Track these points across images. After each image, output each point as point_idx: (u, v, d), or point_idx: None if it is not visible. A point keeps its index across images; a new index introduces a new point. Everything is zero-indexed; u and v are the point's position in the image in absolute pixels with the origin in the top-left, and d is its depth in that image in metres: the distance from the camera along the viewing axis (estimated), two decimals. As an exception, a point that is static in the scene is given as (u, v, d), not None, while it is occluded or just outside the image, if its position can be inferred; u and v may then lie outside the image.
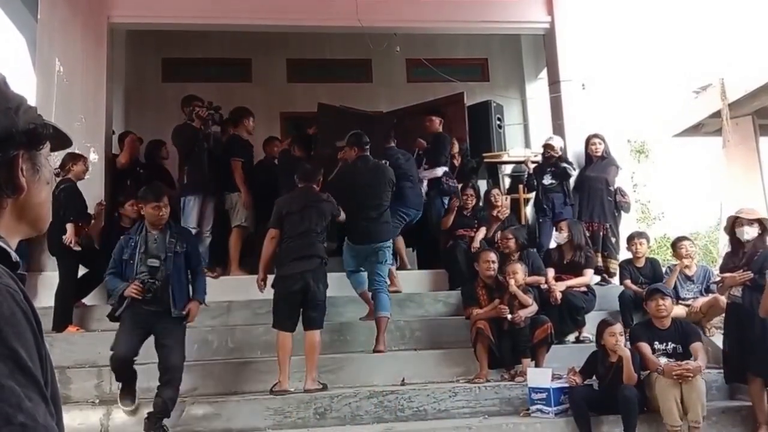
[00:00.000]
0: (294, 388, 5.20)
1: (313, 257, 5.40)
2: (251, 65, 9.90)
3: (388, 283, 6.18)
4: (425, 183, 7.65)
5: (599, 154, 7.30)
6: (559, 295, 6.04)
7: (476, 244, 6.86)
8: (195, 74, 9.43)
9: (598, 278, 6.84)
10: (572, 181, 7.39)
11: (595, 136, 7.33)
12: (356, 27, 7.50)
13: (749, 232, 5.23)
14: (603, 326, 5.15)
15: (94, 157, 6.85)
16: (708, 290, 6.19)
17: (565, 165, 7.28)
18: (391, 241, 6.24)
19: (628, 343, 5.10)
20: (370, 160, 6.29)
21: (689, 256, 6.37)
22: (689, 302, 6.08)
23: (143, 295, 4.64)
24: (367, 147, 6.29)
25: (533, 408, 5.06)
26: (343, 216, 5.85)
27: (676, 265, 6.45)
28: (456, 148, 8.10)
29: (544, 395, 5.01)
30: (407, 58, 9.67)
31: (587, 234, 6.66)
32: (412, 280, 7.21)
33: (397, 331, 6.13)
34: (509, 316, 5.55)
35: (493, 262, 5.90)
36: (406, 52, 9.11)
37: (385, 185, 6.15)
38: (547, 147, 7.50)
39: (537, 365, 5.49)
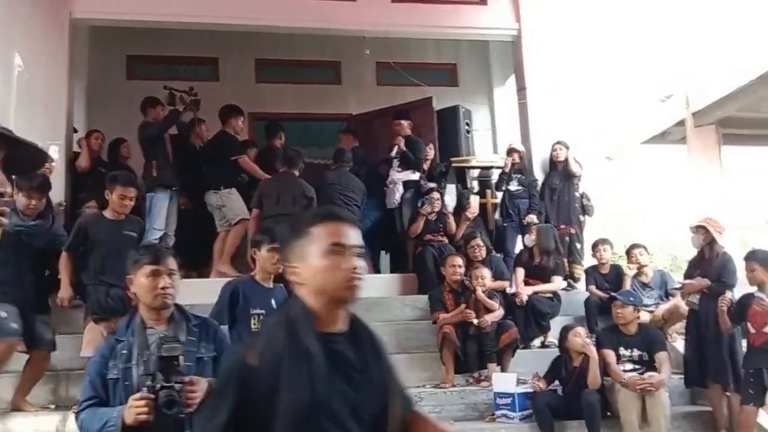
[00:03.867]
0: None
1: None
2: (219, 64, 9.77)
3: None
4: (399, 185, 7.68)
5: (562, 159, 7.37)
6: (525, 297, 6.07)
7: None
8: (161, 72, 9.24)
9: (564, 284, 6.90)
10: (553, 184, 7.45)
11: (559, 142, 7.41)
12: (326, 29, 7.47)
13: (696, 240, 5.38)
14: (566, 330, 5.20)
15: (55, 156, 6.68)
16: (668, 295, 6.27)
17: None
18: None
19: (594, 348, 5.14)
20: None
21: (639, 263, 6.43)
22: (651, 308, 6.16)
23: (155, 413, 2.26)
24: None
25: (498, 413, 5.08)
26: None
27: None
28: (431, 153, 8.13)
29: (509, 400, 5.03)
30: (377, 61, 9.65)
31: (557, 239, 6.70)
32: (382, 284, 7.18)
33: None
34: (475, 321, 5.56)
35: (460, 266, 5.91)
36: (376, 55, 9.10)
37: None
38: (511, 152, 7.56)
39: (503, 370, 5.51)
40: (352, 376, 1.52)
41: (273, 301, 3.97)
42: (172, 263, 2.62)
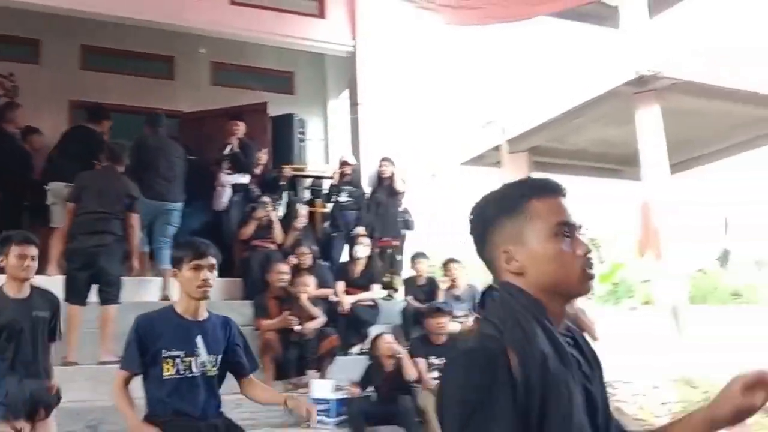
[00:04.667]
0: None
1: (106, 233, 5.40)
2: (39, 46, 9.07)
3: None
4: (228, 188, 7.60)
5: (388, 175, 7.69)
6: (347, 307, 6.26)
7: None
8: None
9: (384, 293, 7.19)
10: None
11: (386, 159, 7.73)
12: (159, 22, 7.25)
13: None
14: (376, 338, 5.45)
15: None
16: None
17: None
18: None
19: (402, 348, 5.41)
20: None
21: (453, 276, 6.86)
22: (461, 320, 6.60)
23: None
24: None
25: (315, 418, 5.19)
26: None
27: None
28: (265, 158, 8.13)
29: (325, 406, 5.17)
30: (213, 61, 9.49)
31: (377, 251, 6.98)
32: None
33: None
34: (297, 328, 5.66)
35: (285, 273, 5.99)
36: (212, 55, 8.95)
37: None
38: (343, 165, 7.78)
39: (322, 376, 5.64)
40: (590, 391, 1.24)
41: (200, 339, 2.99)
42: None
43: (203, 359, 2.97)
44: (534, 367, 1.14)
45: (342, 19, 8.46)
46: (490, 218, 1.31)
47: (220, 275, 7.42)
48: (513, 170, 10.17)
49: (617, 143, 10.31)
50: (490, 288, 1.34)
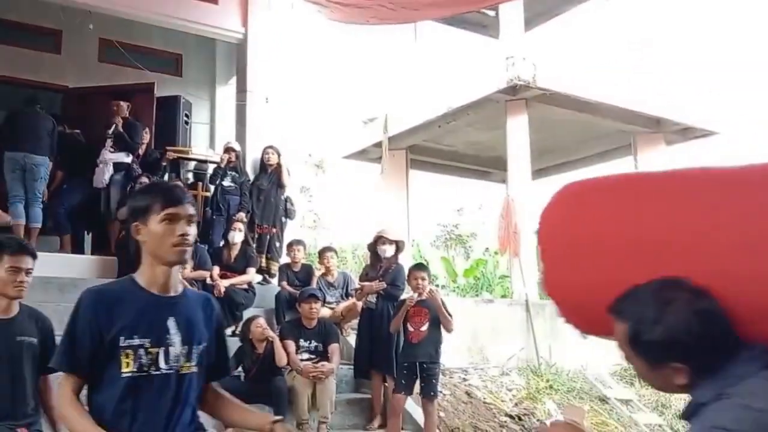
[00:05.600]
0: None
1: None
2: None
3: None
4: (110, 166, 7.57)
5: (272, 164, 7.89)
6: (222, 289, 6.46)
7: None
8: None
9: (260, 278, 7.41)
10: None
11: (271, 147, 7.91)
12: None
13: (388, 251, 6.15)
14: (248, 322, 5.67)
15: None
16: (348, 295, 7.10)
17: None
18: None
19: (274, 333, 5.69)
20: None
21: (328, 264, 7.12)
22: (333, 305, 6.94)
23: None
24: None
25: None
26: None
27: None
28: (147, 137, 8.13)
29: (194, 384, 5.35)
30: (101, 38, 9.33)
31: (254, 236, 7.21)
32: (83, 264, 7.06)
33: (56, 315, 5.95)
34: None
35: (161, 255, 6.09)
36: (100, 31, 8.81)
37: None
38: (229, 150, 7.92)
39: (192, 356, 5.80)
40: None
41: (172, 322, 2.10)
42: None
43: (177, 351, 2.08)
44: None
45: (234, 6, 8.57)
46: None
47: (96, 252, 7.52)
48: (392, 167, 10.67)
49: (488, 147, 11.02)
50: None
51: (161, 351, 2.04)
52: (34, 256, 3.22)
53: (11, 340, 3.11)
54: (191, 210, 2.10)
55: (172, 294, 2.13)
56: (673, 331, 1.43)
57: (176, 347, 2.07)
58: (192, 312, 2.16)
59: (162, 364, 2.04)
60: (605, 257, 1.60)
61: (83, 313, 2.02)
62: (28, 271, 3.15)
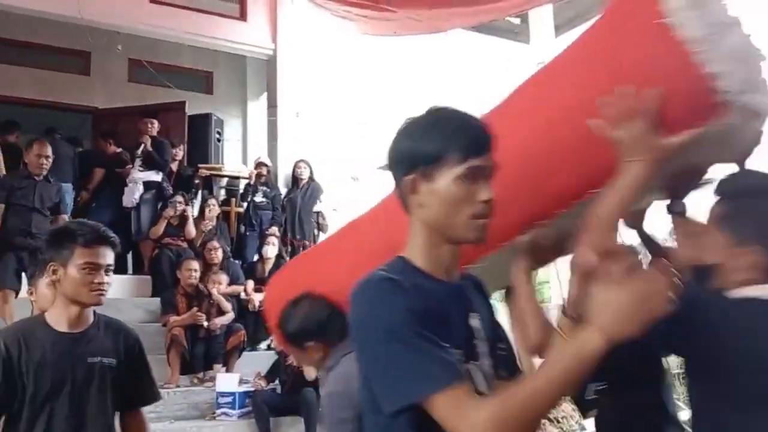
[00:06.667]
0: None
1: None
2: (-58, 37, 8.80)
3: None
4: (140, 185, 7.61)
5: (304, 178, 7.89)
6: (257, 303, 6.42)
7: None
8: None
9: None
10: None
11: (302, 161, 7.93)
12: (76, 18, 7.21)
13: None
14: None
15: None
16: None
17: None
18: None
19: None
20: None
21: None
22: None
23: None
24: None
25: (219, 411, 5.34)
26: None
27: None
28: (180, 155, 8.19)
29: (230, 399, 5.33)
30: (130, 58, 9.45)
31: (287, 250, 7.17)
32: (116, 284, 7.05)
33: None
34: (206, 324, 5.79)
35: (195, 270, 6.11)
36: (130, 52, 8.92)
37: None
38: (259, 166, 7.94)
39: (228, 370, 5.79)
40: None
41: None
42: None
43: None
44: None
45: (263, 23, 8.61)
46: None
47: (129, 272, 7.54)
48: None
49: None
50: None
51: None
52: (115, 247, 2.33)
53: (78, 362, 2.21)
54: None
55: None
56: (303, 323, 2.20)
57: None
58: None
59: None
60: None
61: None
62: (108, 269, 2.28)
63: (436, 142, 1.27)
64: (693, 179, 1.68)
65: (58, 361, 2.17)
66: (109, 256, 2.28)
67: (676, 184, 1.65)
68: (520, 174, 1.59)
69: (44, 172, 5.63)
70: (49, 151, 5.65)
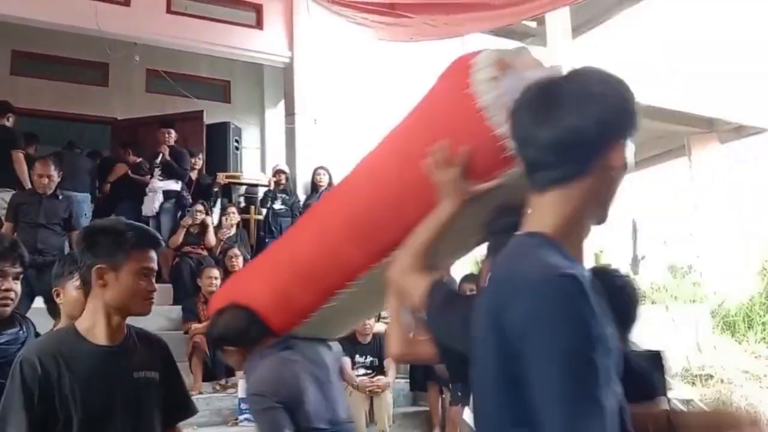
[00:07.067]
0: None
1: None
2: (-33, 51, 8.95)
3: None
4: (160, 194, 7.67)
5: (323, 184, 7.91)
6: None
7: None
8: None
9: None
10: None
11: (321, 167, 7.94)
12: (94, 30, 7.29)
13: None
14: None
15: None
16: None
17: None
18: None
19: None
20: None
21: None
22: (387, 320, 6.84)
23: None
24: None
25: (242, 417, 5.33)
26: None
27: None
28: (200, 163, 8.24)
29: (252, 405, 5.32)
30: (148, 68, 9.52)
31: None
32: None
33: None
34: (226, 331, 5.80)
35: (216, 278, 6.12)
36: (147, 62, 9.00)
37: None
38: (278, 173, 7.97)
39: (250, 377, 5.78)
40: None
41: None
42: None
43: None
44: None
45: (279, 31, 8.65)
46: None
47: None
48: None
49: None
50: None
51: None
52: (159, 246, 2.11)
53: (125, 379, 1.95)
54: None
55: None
56: (223, 330, 2.58)
57: None
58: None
59: None
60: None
61: None
62: (152, 271, 2.05)
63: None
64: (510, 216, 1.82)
65: (105, 380, 1.89)
66: (155, 259, 2.05)
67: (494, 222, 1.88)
68: (383, 206, 2.06)
69: (48, 191, 5.60)
70: (51, 170, 5.62)
